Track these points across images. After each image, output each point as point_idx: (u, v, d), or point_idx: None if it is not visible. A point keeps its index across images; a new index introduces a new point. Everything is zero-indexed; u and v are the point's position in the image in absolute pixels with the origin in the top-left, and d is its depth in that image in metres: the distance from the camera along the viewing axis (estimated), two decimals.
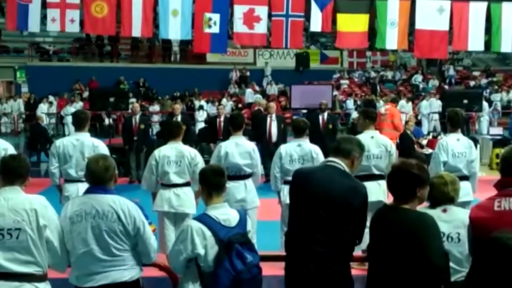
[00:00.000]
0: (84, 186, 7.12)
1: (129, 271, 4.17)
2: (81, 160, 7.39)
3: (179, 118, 14.16)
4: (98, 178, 4.20)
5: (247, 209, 7.16)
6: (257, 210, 7.88)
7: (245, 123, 8.91)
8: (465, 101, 16.27)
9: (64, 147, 7.64)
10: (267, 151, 13.85)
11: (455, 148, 7.67)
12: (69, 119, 25.76)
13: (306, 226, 4.20)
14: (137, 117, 14.74)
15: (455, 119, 7.86)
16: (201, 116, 24.38)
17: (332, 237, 4.12)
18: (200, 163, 7.44)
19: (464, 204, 6.61)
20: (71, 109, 26.25)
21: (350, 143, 4.44)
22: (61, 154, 7.64)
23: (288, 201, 7.52)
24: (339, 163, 4.32)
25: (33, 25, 14.97)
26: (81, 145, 7.54)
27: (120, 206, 4.13)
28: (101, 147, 7.59)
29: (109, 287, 4.11)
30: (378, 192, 7.42)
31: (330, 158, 4.39)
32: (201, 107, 25.51)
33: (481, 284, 2.61)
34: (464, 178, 7.60)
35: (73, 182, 7.56)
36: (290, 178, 7.65)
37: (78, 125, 7.77)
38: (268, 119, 14.34)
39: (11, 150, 7.70)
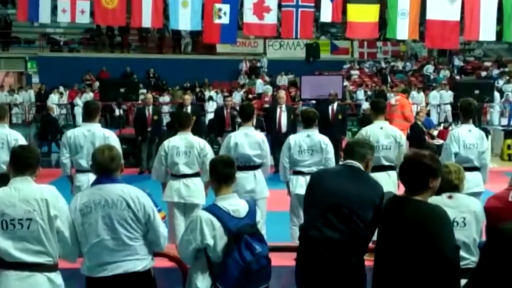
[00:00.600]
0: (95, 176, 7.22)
1: (141, 261, 4.18)
2: (92, 151, 7.42)
3: (189, 108, 14.18)
4: (104, 168, 4.22)
5: (256, 200, 7.18)
6: (267, 200, 7.89)
7: (256, 113, 8.91)
8: (477, 92, 16.20)
9: (75, 137, 7.69)
10: (277, 141, 13.83)
11: (466, 139, 7.64)
12: (79, 110, 25.90)
13: (323, 220, 4.22)
14: (150, 108, 14.77)
15: (468, 110, 7.81)
16: (211, 107, 24.37)
17: (350, 231, 4.15)
18: (209, 154, 7.45)
19: (475, 195, 6.59)
20: (81, 99, 26.40)
21: (363, 146, 4.58)
22: (72, 144, 7.68)
23: (297, 191, 7.61)
24: (356, 163, 4.47)
25: (44, 16, 15.02)
26: (92, 136, 7.59)
27: (129, 194, 4.15)
28: (112, 137, 7.64)
29: (121, 277, 4.12)
30: (388, 183, 7.43)
31: (347, 161, 4.52)
32: (210, 98, 25.52)
33: (489, 276, 2.60)
34: (475, 169, 7.61)
35: (84, 172, 7.60)
36: (299, 169, 7.77)
37: (89, 116, 7.82)
38: (278, 109, 14.27)
39: (22, 141, 7.77)
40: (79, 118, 25.88)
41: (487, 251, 2.69)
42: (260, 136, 7.91)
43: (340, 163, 4.89)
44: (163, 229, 4.28)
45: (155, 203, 4.33)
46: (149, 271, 4.25)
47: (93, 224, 4.12)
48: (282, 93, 16.29)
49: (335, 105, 14.94)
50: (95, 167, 4.30)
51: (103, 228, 4.11)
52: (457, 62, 33.43)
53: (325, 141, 7.79)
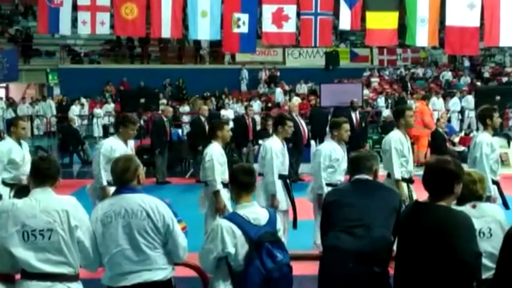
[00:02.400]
0: None
1: (162, 271, 4.17)
2: None
3: (204, 119, 14.26)
4: (119, 179, 4.25)
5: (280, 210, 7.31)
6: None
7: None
8: (498, 98, 16.07)
9: (110, 146, 7.85)
10: (300, 151, 13.83)
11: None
12: (98, 121, 26.11)
13: (346, 233, 4.23)
14: (169, 120, 14.87)
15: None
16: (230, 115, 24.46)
17: (373, 241, 4.15)
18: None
19: None
20: (100, 111, 26.61)
21: (368, 159, 4.65)
22: (107, 153, 7.82)
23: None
24: (366, 176, 4.55)
25: (64, 28, 15.15)
26: (124, 149, 7.73)
27: (149, 204, 4.15)
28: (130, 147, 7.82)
29: (141, 287, 4.12)
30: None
31: (357, 176, 4.58)
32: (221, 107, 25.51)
33: (508, 279, 2.58)
34: None
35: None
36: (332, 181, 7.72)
37: (123, 127, 7.96)
38: (296, 118, 14.13)
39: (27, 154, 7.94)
40: (97, 129, 26.11)
41: (503, 255, 2.66)
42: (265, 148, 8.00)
43: (350, 179, 4.88)
44: (182, 240, 4.25)
45: (175, 214, 4.33)
46: (170, 281, 4.25)
47: (113, 234, 4.13)
48: (294, 103, 16.35)
49: (357, 112, 14.90)
50: (113, 178, 4.34)
51: (123, 238, 4.12)
52: (467, 63, 33.28)
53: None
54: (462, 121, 25.07)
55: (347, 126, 7.90)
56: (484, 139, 7.42)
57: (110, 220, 4.15)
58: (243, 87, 31.47)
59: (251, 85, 32.22)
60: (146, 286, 4.12)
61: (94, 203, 7.39)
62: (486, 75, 31.30)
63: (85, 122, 26.81)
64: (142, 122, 19.68)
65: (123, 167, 4.25)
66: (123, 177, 4.23)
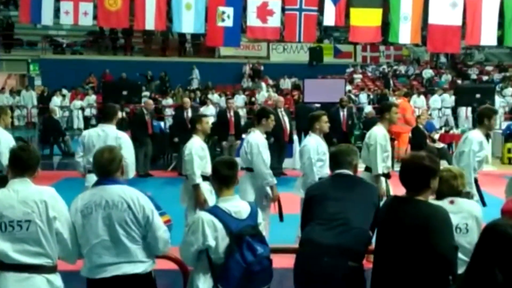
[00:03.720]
0: None
1: (142, 263, 4.16)
2: None
3: (189, 111, 14.20)
4: (103, 169, 4.22)
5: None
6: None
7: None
8: (478, 96, 16.23)
9: (89, 137, 7.93)
10: (282, 146, 13.85)
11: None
12: (76, 113, 25.97)
13: (324, 227, 4.26)
14: (152, 112, 14.79)
15: (489, 114, 7.53)
16: (209, 110, 24.41)
17: (350, 236, 4.18)
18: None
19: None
20: (80, 102, 26.46)
21: (348, 154, 4.67)
22: (86, 144, 7.90)
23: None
24: (346, 171, 4.58)
25: (47, 18, 15.04)
26: (105, 136, 7.78)
27: (130, 196, 4.14)
28: (124, 139, 7.79)
29: (120, 279, 4.10)
30: None
31: (337, 171, 4.61)
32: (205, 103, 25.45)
33: (481, 274, 2.61)
34: None
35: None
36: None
37: (106, 117, 8.07)
38: (280, 113, 14.20)
39: (12, 143, 7.79)
40: (76, 121, 25.97)
41: (479, 248, 2.69)
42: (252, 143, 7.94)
43: (330, 173, 4.93)
44: (162, 233, 4.21)
45: (158, 207, 4.30)
46: (150, 274, 4.24)
47: (93, 225, 4.11)
48: (280, 97, 16.45)
49: (345, 110, 14.95)
50: (96, 169, 4.31)
51: (103, 229, 4.10)
52: (443, 59, 33.59)
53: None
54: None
55: (325, 117, 7.91)
56: (475, 136, 7.41)
57: (91, 211, 4.13)
58: (195, 85, 31.19)
59: (235, 79, 32.17)
60: (126, 279, 4.11)
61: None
62: (474, 76, 31.47)
63: (66, 113, 26.62)
64: (124, 114, 19.58)
65: (109, 158, 4.23)
66: (108, 168, 4.21)
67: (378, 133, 7.83)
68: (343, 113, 14.78)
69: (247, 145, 7.82)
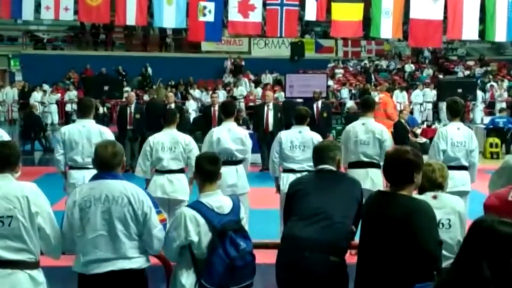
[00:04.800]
0: (90, 173, 7.20)
1: (136, 260, 4.13)
2: (88, 147, 7.45)
3: (172, 106, 14.17)
4: (106, 164, 4.18)
5: (238, 194, 7.21)
6: (250, 197, 7.92)
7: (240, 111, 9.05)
8: (460, 90, 16.32)
9: (70, 133, 7.67)
10: (264, 140, 13.87)
11: (454, 137, 7.57)
12: (52, 108, 25.80)
13: (306, 222, 4.26)
14: (132, 106, 14.67)
15: (454, 108, 7.74)
16: (191, 105, 24.40)
17: (332, 231, 4.19)
18: (194, 150, 7.50)
19: (461, 194, 6.60)
20: (55, 97, 26.29)
21: (330, 149, 4.68)
22: (67, 140, 7.65)
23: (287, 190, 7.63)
24: (329, 167, 4.57)
25: (27, 13, 14.95)
26: (88, 132, 7.58)
27: (130, 191, 4.12)
28: (108, 133, 7.64)
29: (115, 275, 4.07)
30: (364, 179, 7.43)
31: (320, 166, 4.62)
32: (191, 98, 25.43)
33: (469, 270, 2.63)
34: (463, 168, 7.58)
35: (79, 169, 7.58)
36: (290, 166, 7.79)
37: (84, 112, 7.84)
38: (265, 108, 14.37)
39: (6, 137, 7.69)
40: (54, 117, 25.79)
41: (466, 245, 2.71)
42: (243, 132, 8.02)
43: (313, 169, 4.94)
44: (157, 231, 4.17)
45: (156, 204, 4.28)
46: (143, 271, 4.21)
47: (92, 220, 4.07)
48: (270, 92, 16.35)
49: (320, 103, 15.00)
50: (97, 162, 4.26)
51: (101, 224, 4.07)
52: (426, 53, 33.82)
53: (317, 138, 7.83)
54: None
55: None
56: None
57: (89, 205, 4.08)
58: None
59: (216, 74, 32.11)
60: (119, 275, 4.08)
61: None
62: (460, 75, 31.65)
63: (47, 109, 26.42)
64: (105, 109, 19.50)
65: (112, 152, 4.19)
66: (111, 162, 4.17)
67: (384, 128, 7.92)
68: (316, 106, 14.84)
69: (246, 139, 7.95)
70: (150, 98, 17.84)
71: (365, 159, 7.83)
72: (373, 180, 7.63)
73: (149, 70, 30.32)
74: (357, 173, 7.39)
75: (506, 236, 2.57)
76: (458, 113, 7.81)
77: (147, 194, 4.25)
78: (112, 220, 4.07)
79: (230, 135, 7.77)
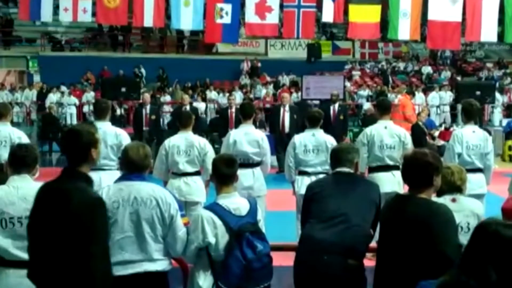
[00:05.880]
0: (106, 174, 7.31)
1: (161, 262, 4.14)
2: (103, 148, 7.44)
3: (188, 108, 14.20)
4: (136, 165, 4.17)
5: (254, 197, 7.24)
6: (267, 199, 7.92)
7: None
8: (478, 93, 16.20)
9: None
10: (280, 142, 13.85)
11: (470, 140, 7.52)
12: (71, 109, 25.92)
13: (324, 225, 4.24)
14: (148, 107, 14.72)
15: (470, 111, 7.67)
16: (201, 107, 24.42)
17: (350, 234, 4.17)
18: (210, 152, 7.51)
19: (478, 197, 6.55)
20: (74, 99, 26.42)
21: (349, 152, 4.67)
22: None
23: (302, 192, 7.61)
24: (347, 169, 4.56)
25: (46, 15, 15.05)
26: (104, 134, 7.55)
27: (159, 193, 4.13)
28: (124, 135, 7.65)
29: (139, 276, 4.07)
30: (393, 182, 7.40)
31: (338, 169, 4.59)
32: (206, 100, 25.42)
33: (474, 273, 2.61)
34: (478, 170, 7.52)
35: (95, 171, 7.60)
36: (304, 169, 7.78)
37: (100, 114, 7.80)
38: (282, 109, 14.32)
39: (25, 139, 7.75)
40: (73, 118, 25.90)
41: (470, 248, 2.68)
42: (260, 135, 8.00)
43: (326, 171, 4.94)
44: (182, 234, 4.17)
45: (181, 207, 4.28)
46: (166, 274, 4.21)
47: (119, 221, 4.07)
48: (286, 94, 16.30)
49: (336, 105, 14.95)
50: (127, 164, 4.25)
51: (129, 226, 4.07)
52: (448, 53, 33.62)
53: (331, 141, 7.83)
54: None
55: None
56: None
57: (117, 206, 4.09)
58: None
59: (233, 76, 32.14)
60: (144, 277, 4.08)
61: None
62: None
63: (65, 110, 26.56)
64: (123, 111, 19.58)
65: (143, 154, 4.20)
66: (142, 164, 4.18)
67: (406, 131, 8.01)
68: (333, 108, 14.79)
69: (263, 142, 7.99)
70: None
71: (391, 163, 7.77)
72: (399, 183, 7.59)
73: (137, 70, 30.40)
74: (384, 176, 7.40)
75: (511, 239, 2.54)
76: (474, 116, 7.75)
77: (173, 197, 4.24)
78: (140, 222, 4.07)
79: (247, 138, 7.78)
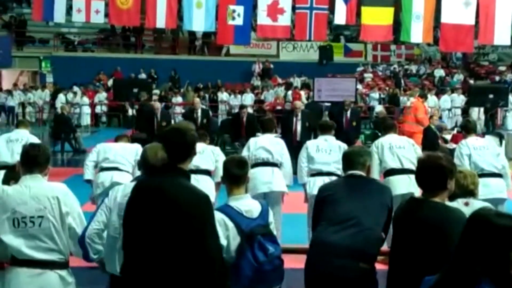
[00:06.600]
0: (118, 174, 7.40)
1: None
2: (121, 149, 7.98)
3: (199, 112, 14.20)
4: (152, 167, 4.17)
5: (273, 192, 7.65)
6: (284, 197, 8.00)
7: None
8: (491, 96, 16.12)
9: (107, 144, 8.27)
10: (291, 148, 13.79)
11: (475, 143, 7.77)
12: (84, 110, 26.05)
13: (335, 228, 4.23)
14: (158, 114, 14.58)
15: (468, 126, 8.17)
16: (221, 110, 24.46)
17: (361, 238, 4.15)
18: (221, 156, 7.63)
19: (498, 201, 6.58)
20: (87, 99, 26.56)
21: (361, 155, 4.63)
22: (102, 149, 8.14)
23: (314, 193, 7.61)
24: (359, 172, 4.53)
25: (59, 15, 15.15)
26: (122, 143, 8.09)
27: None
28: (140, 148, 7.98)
29: None
30: (408, 184, 7.38)
31: (350, 172, 4.57)
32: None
33: (466, 263, 2.60)
34: (496, 175, 7.55)
35: (108, 170, 7.77)
36: (316, 167, 7.80)
37: (120, 137, 8.45)
38: (294, 118, 14.00)
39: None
40: (87, 119, 26.02)
41: (463, 238, 2.68)
42: (281, 141, 8.35)
43: (340, 171, 4.92)
44: None
45: None
46: None
47: None
48: (299, 102, 16.22)
49: (349, 111, 14.84)
50: (144, 165, 4.29)
51: None
52: (459, 54, 33.34)
53: (342, 145, 7.88)
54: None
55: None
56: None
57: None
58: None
59: (244, 77, 32.17)
60: None
61: None
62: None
63: (77, 110, 26.71)
64: (134, 111, 19.60)
65: (161, 156, 4.16)
66: (158, 166, 4.18)
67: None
68: (346, 115, 14.66)
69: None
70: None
71: (405, 166, 7.75)
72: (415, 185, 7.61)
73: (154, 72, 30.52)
74: (399, 179, 7.48)
75: (503, 228, 2.52)
76: (473, 130, 8.15)
77: None
78: None
79: (269, 140, 8.12)
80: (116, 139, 8.33)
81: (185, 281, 3.40)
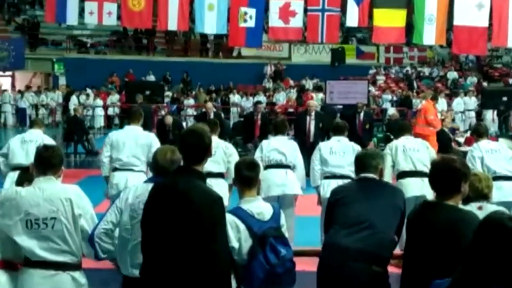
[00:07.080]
0: (133, 174, 7.41)
1: None
2: (133, 146, 7.72)
3: (211, 116, 14.18)
4: (163, 169, 4.18)
5: (287, 195, 7.65)
6: (296, 199, 8.01)
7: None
8: (504, 99, 16.04)
9: (118, 135, 7.98)
10: (304, 150, 13.75)
11: (487, 146, 7.75)
12: (97, 111, 26.15)
13: (348, 231, 4.21)
14: (170, 125, 14.57)
15: (479, 130, 8.15)
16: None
17: (374, 241, 4.13)
18: (235, 155, 7.59)
19: (510, 204, 6.53)
20: (100, 101, 26.67)
21: (373, 158, 4.60)
22: (115, 141, 7.86)
23: (328, 195, 7.58)
24: (371, 175, 4.50)
25: (71, 17, 15.22)
26: (135, 133, 7.84)
27: None
28: (155, 138, 7.94)
29: None
30: (421, 187, 7.36)
31: (362, 175, 4.54)
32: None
33: (478, 267, 2.57)
34: (509, 178, 7.51)
35: (122, 171, 7.71)
36: (330, 170, 7.79)
37: (132, 118, 8.10)
38: (308, 118, 13.88)
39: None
40: (100, 121, 26.12)
41: (475, 241, 2.65)
42: (294, 143, 8.37)
43: (354, 173, 4.89)
44: None
45: None
46: None
47: None
48: (313, 102, 16.16)
49: (362, 114, 14.79)
50: (155, 167, 4.30)
51: None
52: (471, 56, 33.07)
53: (356, 146, 7.90)
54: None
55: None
56: None
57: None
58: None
59: (256, 79, 32.18)
60: None
61: None
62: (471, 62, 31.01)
63: (90, 112, 26.84)
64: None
65: (171, 158, 4.21)
66: (168, 168, 4.17)
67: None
68: (359, 118, 14.63)
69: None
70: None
71: (418, 168, 7.72)
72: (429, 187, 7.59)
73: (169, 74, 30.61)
74: (411, 181, 7.47)
75: None
76: (484, 133, 8.11)
77: None
78: None
79: (282, 142, 8.11)
80: (129, 121, 8.29)
81: (194, 282, 3.43)
